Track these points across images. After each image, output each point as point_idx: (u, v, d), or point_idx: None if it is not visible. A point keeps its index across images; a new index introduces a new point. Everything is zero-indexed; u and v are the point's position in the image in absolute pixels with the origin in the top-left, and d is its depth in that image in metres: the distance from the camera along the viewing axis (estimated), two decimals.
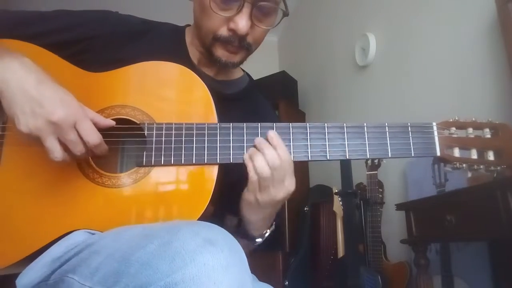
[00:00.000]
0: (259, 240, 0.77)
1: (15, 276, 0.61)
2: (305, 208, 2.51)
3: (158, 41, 0.84)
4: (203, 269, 0.46)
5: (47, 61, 0.68)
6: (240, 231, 0.77)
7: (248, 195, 0.71)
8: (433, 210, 1.36)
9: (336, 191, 2.12)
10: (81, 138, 0.63)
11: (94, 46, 0.78)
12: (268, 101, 1.00)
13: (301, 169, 2.93)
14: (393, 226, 1.95)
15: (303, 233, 2.45)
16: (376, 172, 1.94)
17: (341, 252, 2.11)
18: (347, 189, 1.92)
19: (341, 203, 2.09)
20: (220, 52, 0.78)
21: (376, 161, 1.93)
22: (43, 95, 0.61)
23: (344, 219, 2.04)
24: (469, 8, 1.62)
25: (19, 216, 0.66)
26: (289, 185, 0.69)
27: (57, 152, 0.61)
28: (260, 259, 0.84)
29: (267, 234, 0.78)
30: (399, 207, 1.53)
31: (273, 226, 0.79)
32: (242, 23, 0.73)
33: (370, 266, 1.86)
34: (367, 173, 1.95)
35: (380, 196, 1.98)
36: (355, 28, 2.52)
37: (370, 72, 2.38)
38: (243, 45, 0.77)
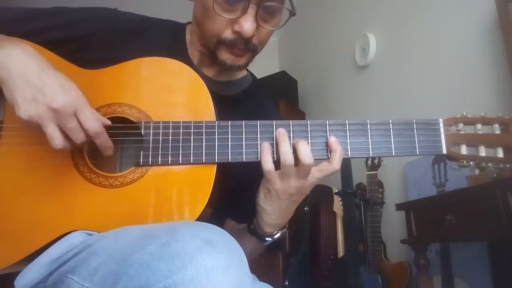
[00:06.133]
0: (268, 239, 0.75)
1: (14, 276, 0.61)
2: (305, 208, 2.51)
3: (157, 40, 0.82)
4: (202, 270, 0.45)
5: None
6: (250, 229, 0.76)
7: (265, 182, 0.69)
8: (433, 210, 1.36)
9: (336, 191, 2.12)
10: (82, 126, 0.62)
11: (91, 43, 0.77)
12: (271, 100, 0.97)
13: None
14: (393, 226, 1.95)
15: (303, 233, 2.45)
16: (376, 172, 1.94)
17: (341, 252, 2.11)
18: (347, 189, 1.92)
19: (341, 203, 2.09)
20: (226, 56, 0.75)
21: (376, 161, 1.93)
22: (45, 82, 0.61)
23: (344, 219, 2.04)
24: (469, 8, 1.62)
25: (16, 217, 0.66)
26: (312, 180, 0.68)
27: (57, 140, 0.61)
28: (260, 259, 0.84)
29: (277, 235, 0.76)
30: (399, 207, 1.53)
31: (285, 229, 0.77)
32: (247, 25, 0.70)
33: (370, 266, 1.86)
34: (367, 173, 1.95)
35: (380, 196, 1.98)
36: (355, 28, 2.52)
37: (370, 72, 2.38)
38: (248, 48, 0.74)
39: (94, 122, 0.63)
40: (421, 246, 1.47)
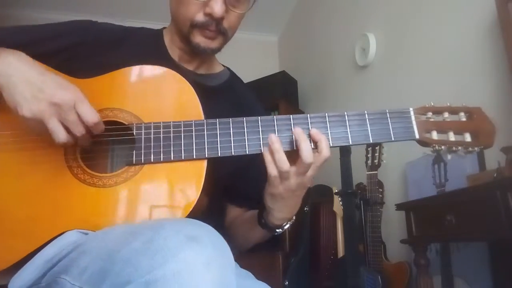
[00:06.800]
0: (279, 230, 0.80)
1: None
2: (305, 208, 2.51)
3: (139, 46, 0.88)
4: (184, 265, 0.46)
5: None
6: (261, 223, 0.80)
7: (269, 188, 0.73)
8: (433, 210, 1.36)
9: (336, 191, 2.12)
10: (80, 119, 0.65)
11: (79, 53, 0.81)
12: (253, 92, 1.02)
13: None
14: (393, 226, 1.95)
15: (303, 233, 2.45)
16: (376, 172, 1.94)
17: (341, 252, 2.11)
18: (347, 189, 1.92)
19: (341, 203, 2.09)
20: (198, 38, 0.81)
21: (376, 161, 1.92)
22: (43, 81, 0.64)
23: (344, 219, 2.04)
24: (469, 8, 1.62)
25: (10, 220, 0.66)
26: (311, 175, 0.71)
27: (61, 134, 0.63)
28: (260, 259, 0.85)
29: (286, 226, 0.81)
30: (399, 207, 1.53)
31: (293, 220, 0.81)
32: (217, 6, 0.76)
33: (370, 266, 1.86)
34: (367, 173, 1.95)
35: (380, 196, 1.98)
36: (355, 28, 2.52)
37: (370, 72, 2.38)
38: (219, 29, 0.80)
39: (92, 114, 0.65)
40: (421, 246, 1.47)
